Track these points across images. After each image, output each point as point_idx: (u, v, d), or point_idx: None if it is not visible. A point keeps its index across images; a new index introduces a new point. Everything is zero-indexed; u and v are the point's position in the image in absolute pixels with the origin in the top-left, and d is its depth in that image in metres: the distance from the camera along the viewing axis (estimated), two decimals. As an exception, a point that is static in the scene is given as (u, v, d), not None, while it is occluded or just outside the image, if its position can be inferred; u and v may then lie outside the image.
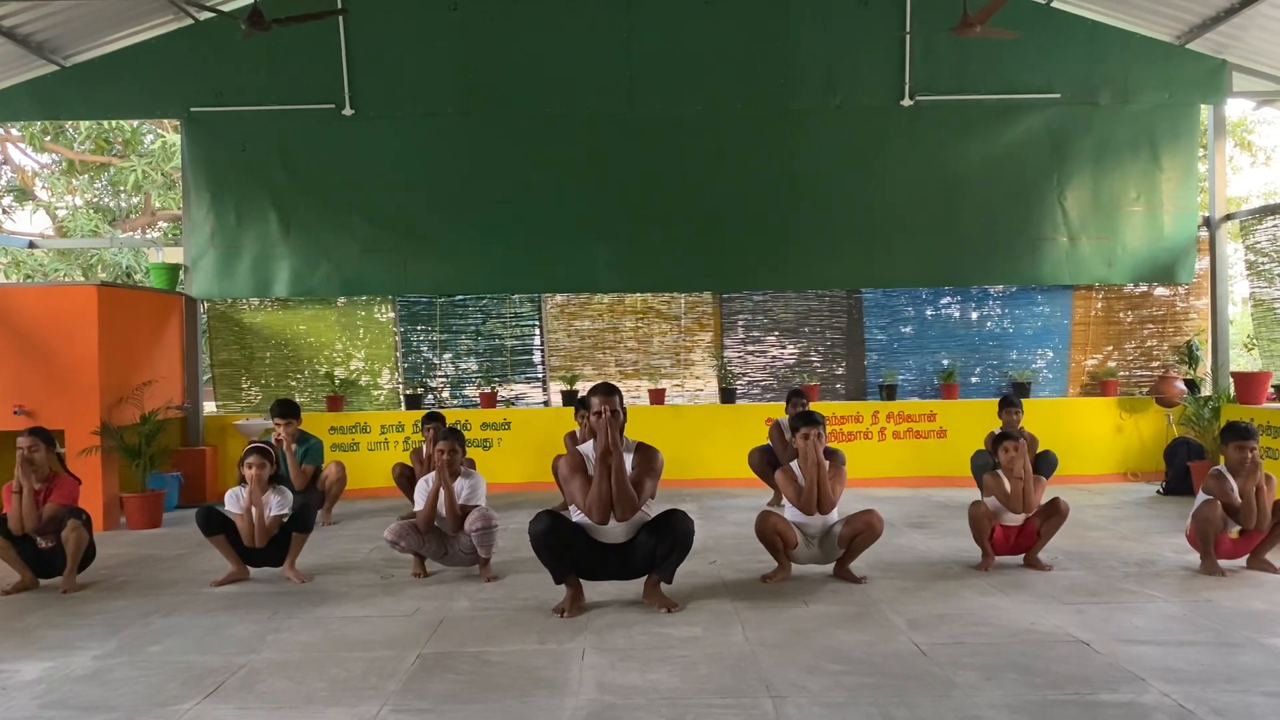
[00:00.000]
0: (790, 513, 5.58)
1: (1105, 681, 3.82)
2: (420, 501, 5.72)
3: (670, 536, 4.90)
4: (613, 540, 4.94)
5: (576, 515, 4.97)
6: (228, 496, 5.78)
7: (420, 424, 8.01)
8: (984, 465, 7.59)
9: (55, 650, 4.48)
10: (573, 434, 7.99)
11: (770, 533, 5.47)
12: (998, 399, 8.22)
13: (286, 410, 7.57)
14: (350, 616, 4.98)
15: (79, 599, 5.46)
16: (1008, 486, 5.72)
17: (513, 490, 9.03)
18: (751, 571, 5.77)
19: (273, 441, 7.04)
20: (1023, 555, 5.82)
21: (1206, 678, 3.84)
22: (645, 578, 5.02)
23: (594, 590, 5.19)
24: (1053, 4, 9.36)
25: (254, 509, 5.66)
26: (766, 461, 8.08)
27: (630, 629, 4.63)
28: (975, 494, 8.00)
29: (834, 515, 5.58)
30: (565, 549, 4.90)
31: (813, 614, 4.86)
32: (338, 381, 9.74)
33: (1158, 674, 3.88)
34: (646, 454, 4.96)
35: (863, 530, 5.45)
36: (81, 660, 4.32)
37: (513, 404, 9.98)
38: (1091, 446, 9.37)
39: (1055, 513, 5.71)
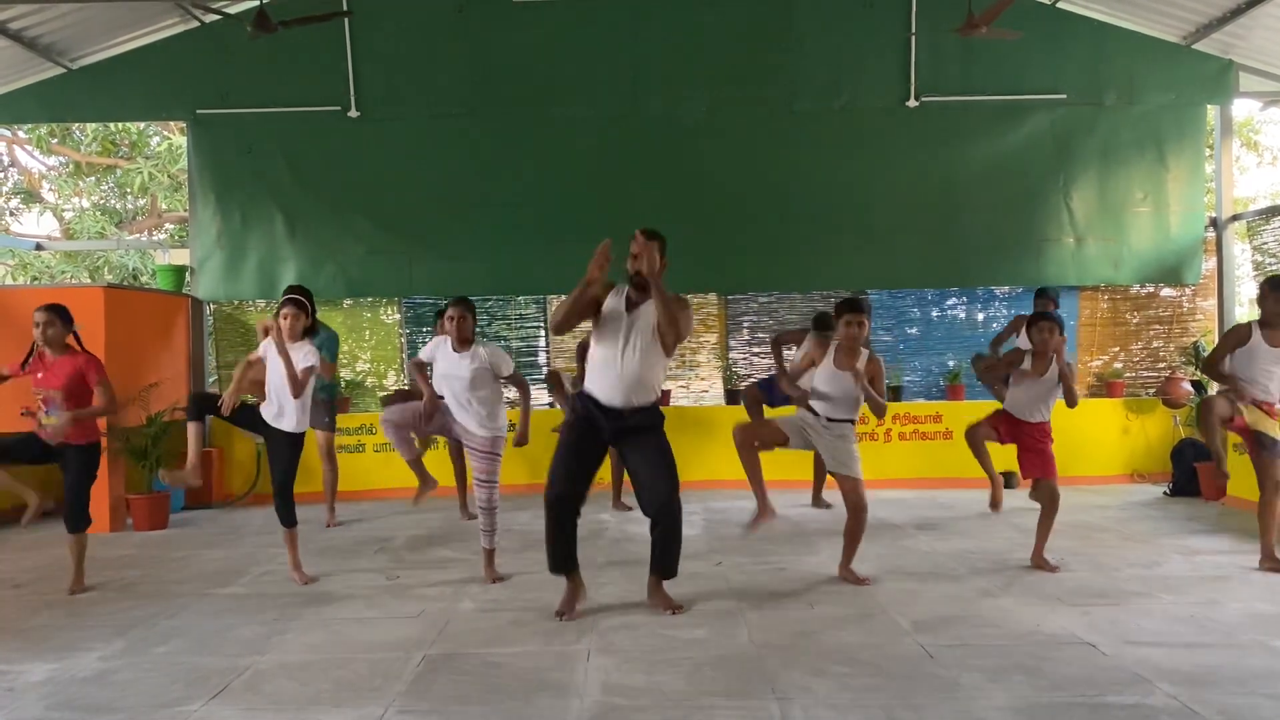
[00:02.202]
0: (820, 377, 5.49)
1: (1111, 683, 3.81)
2: (426, 354, 5.74)
3: (659, 526, 4.81)
4: (612, 404, 4.80)
5: (589, 383, 4.90)
6: (255, 353, 5.71)
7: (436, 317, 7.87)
8: (990, 367, 7.25)
9: (61, 651, 4.49)
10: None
11: (751, 404, 5.42)
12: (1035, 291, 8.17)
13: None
14: (355, 618, 4.99)
15: (85, 600, 5.48)
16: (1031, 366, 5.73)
17: (517, 492, 9.02)
18: (756, 573, 5.77)
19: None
20: (1030, 557, 5.81)
21: (1213, 680, 3.83)
22: (648, 580, 5.00)
23: (598, 591, 5.19)
24: (1058, 4, 9.34)
25: (283, 359, 5.44)
26: (759, 399, 7.83)
27: (635, 630, 4.63)
28: (982, 495, 8.01)
29: (858, 393, 5.45)
30: (572, 518, 4.84)
31: (818, 616, 4.86)
32: (343, 383, 9.75)
33: (1164, 676, 3.87)
34: (684, 305, 4.95)
35: (848, 512, 5.45)
36: (87, 661, 4.33)
37: (516, 406, 9.95)
38: (1098, 448, 9.34)
39: (1049, 499, 5.68)
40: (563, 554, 4.90)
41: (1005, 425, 5.89)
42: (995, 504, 5.89)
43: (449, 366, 5.62)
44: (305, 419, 5.69)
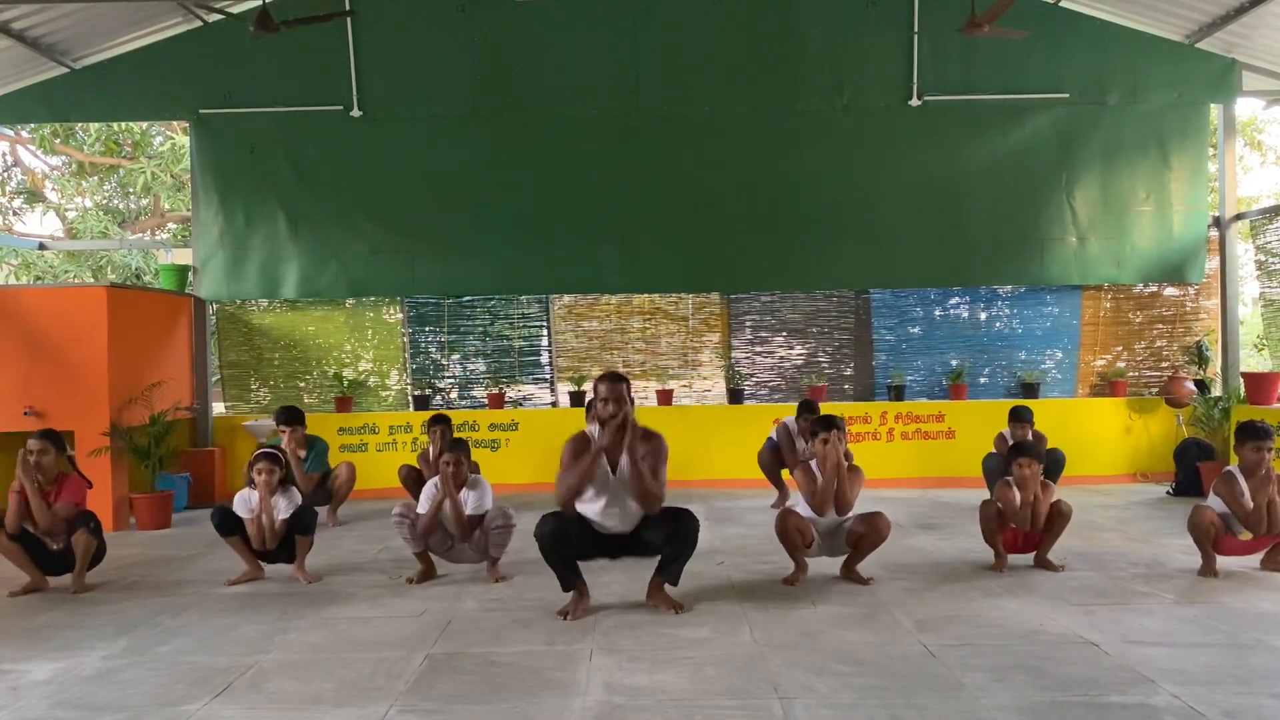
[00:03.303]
0: (804, 509, 5.56)
1: (1114, 683, 3.81)
2: (424, 506, 5.72)
3: (677, 537, 4.90)
4: (615, 530, 4.94)
5: (580, 506, 4.95)
6: (236, 500, 5.78)
7: (426, 425, 8.04)
8: (995, 469, 7.58)
9: (65, 650, 4.50)
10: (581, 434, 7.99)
11: (792, 532, 5.45)
12: (1009, 410, 7.89)
13: (291, 417, 7.64)
14: (358, 617, 4.99)
15: (88, 599, 5.48)
16: (1018, 499, 5.70)
17: (520, 491, 9.02)
18: (759, 572, 5.77)
19: (281, 446, 7.04)
20: (1033, 556, 5.81)
21: (1216, 679, 3.82)
22: (649, 578, 5.02)
23: (601, 591, 5.19)
24: (1061, 3, 9.33)
25: (264, 515, 5.67)
26: (774, 458, 8.08)
27: (638, 630, 4.63)
28: (984, 494, 8.01)
29: (848, 515, 5.58)
30: (572, 547, 4.91)
31: (821, 615, 4.85)
32: (346, 382, 9.76)
33: (1167, 676, 3.86)
34: (653, 441, 4.93)
35: (868, 533, 5.44)
36: (91, 660, 4.34)
37: (520, 405, 9.99)
38: (1101, 447, 9.34)
39: (1057, 515, 5.69)
40: (570, 575, 4.95)
41: (1011, 535, 5.80)
42: (997, 569, 5.79)
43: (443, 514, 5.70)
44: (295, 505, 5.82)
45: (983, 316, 10.06)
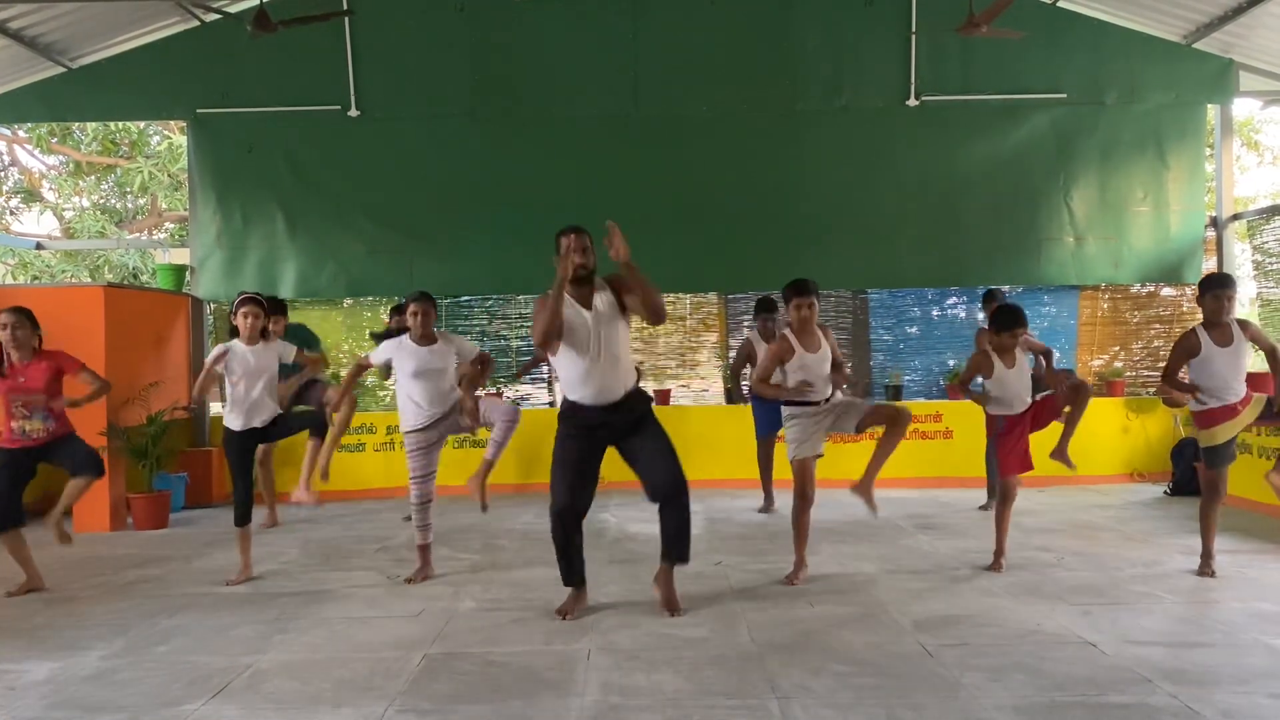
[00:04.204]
0: (795, 372, 5.44)
1: (1112, 683, 3.81)
2: (377, 357, 5.77)
3: (671, 508, 4.77)
4: (605, 400, 4.80)
5: (573, 394, 4.86)
6: (213, 354, 5.77)
7: (394, 312, 7.85)
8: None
9: (62, 650, 4.49)
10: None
11: (766, 387, 5.40)
12: (983, 294, 7.90)
13: (274, 306, 7.20)
14: (356, 617, 4.99)
15: (86, 599, 5.47)
16: (1001, 366, 5.61)
17: (517, 491, 9.03)
18: (757, 572, 5.77)
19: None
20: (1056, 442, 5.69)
21: (1214, 679, 3.83)
22: (658, 568, 4.96)
23: (599, 591, 5.19)
24: (1059, 4, 9.34)
25: (256, 365, 5.70)
26: (772, 458, 7.93)
27: (635, 630, 4.63)
28: (983, 495, 8.03)
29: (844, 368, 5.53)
30: (579, 534, 4.85)
31: (818, 615, 4.86)
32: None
33: (1165, 675, 3.87)
34: (630, 276, 4.76)
35: (894, 415, 5.39)
36: (88, 660, 4.33)
37: (518, 405, 9.97)
38: (1098, 447, 9.33)
39: (1079, 389, 5.55)
40: (575, 567, 4.92)
41: (1013, 429, 5.74)
42: (995, 569, 5.76)
43: (421, 363, 5.65)
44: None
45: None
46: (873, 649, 4.28)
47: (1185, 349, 5.48)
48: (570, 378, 4.84)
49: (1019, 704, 3.60)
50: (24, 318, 5.56)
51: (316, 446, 5.91)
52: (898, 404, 5.43)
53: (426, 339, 5.68)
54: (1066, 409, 5.65)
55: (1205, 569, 5.55)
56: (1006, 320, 5.60)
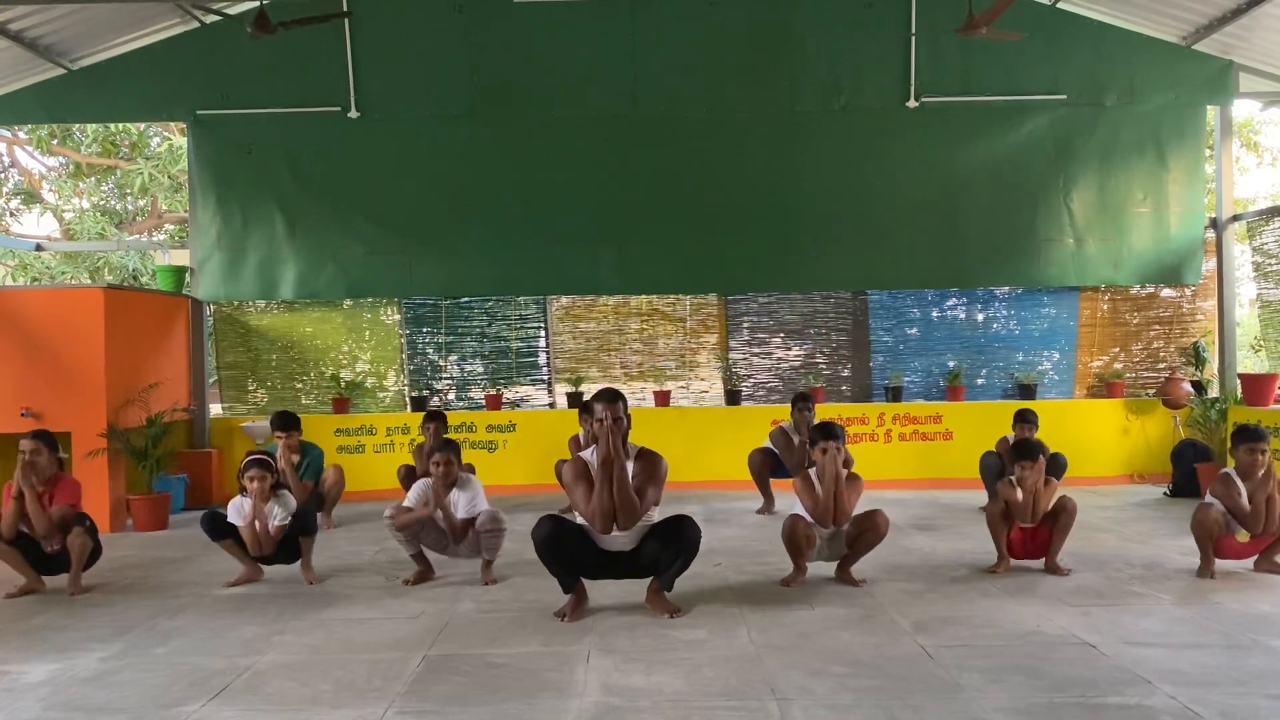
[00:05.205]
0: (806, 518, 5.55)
1: (1111, 684, 3.81)
2: (413, 500, 5.68)
3: (677, 544, 4.88)
4: (618, 548, 4.93)
5: (581, 520, 4.97)
6: (230, 507, 5.75)
7: (422, 423, 8.05)
8: (992, 466, 7.59)
9: (61, 652, 4.49)
10: (576, 438, 7.98)
11: (800, 538, 5.43)
12: (1015, 412, 7.79)
13: (287, 422, 7.53)
14: (355, 619, 4.99)
15: (85, 600, 5.48)
16: (1019, 496, 5.69)
17: (517, 492, 9.03)
18: (756, 574, 5.77)
19: (270, 452, 6.98)
20: (1042, 560, 5.77)
21: (1213, 680, 3.83)
22: (648, 582, 5.02)
23: (598, 592, 5.19)
24: (1058, 5, 9.34)
25: (258, 522, 5.65)
26: (766, 465, 8.06)
27: (635, 631, 4.63)
28: (981, 496, 8.02)
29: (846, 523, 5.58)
30: (569, 554, 4.90)
31: (818, 616, 4.86)
32: (343, 384, 9.76)
33: (1164, 676, 3.87)
34: (649, 460, 4.91)
35: (868, 530, 5.45)
36: (87, 662, 4.33)
37: (518, 406, 9.99)
38: (1098, 448, 9.34)
39: (1061, 511, 5.65)
40: (569, 577, 4.95)
41: (1019, 535, 5.78)
42: (997, 570, 5.78)
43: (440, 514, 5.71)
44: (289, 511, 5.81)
45: (980, 318, 10.07)
46: (872, 650, 4.28)
47: (1230, 498, 5.49)
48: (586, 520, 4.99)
49: (1018, 705, 3.60)
50: (43, 444, 5.66)
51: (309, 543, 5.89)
52: (875, 512, 5.48)
53: (450, 487, 5.71)
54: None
55: (1205, 570, 5.55)
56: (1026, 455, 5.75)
